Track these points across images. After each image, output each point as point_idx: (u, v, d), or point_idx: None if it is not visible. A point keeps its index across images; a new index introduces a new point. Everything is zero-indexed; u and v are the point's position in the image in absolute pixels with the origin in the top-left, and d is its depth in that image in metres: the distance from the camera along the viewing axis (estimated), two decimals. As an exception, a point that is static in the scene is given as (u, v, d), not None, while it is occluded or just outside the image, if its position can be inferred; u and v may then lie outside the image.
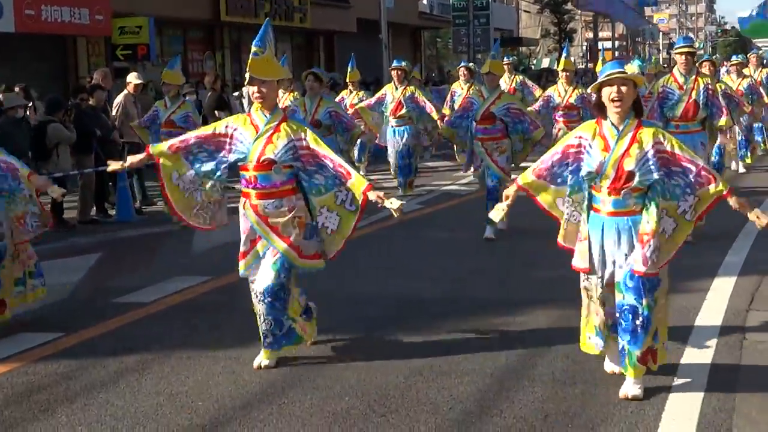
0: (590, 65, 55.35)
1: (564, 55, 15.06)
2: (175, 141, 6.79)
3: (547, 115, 13.68)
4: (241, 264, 6.69)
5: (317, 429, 5.46)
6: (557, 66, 16.32)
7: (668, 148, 5.57)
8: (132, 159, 6.99)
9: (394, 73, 15.33)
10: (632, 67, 4.54)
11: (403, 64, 15.72)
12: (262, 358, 6.55)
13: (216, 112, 17.52)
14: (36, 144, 13.08)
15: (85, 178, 13.42)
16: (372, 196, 6.26)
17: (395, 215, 6.17)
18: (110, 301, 8.61)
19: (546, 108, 13.83)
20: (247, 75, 6.43)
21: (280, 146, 6.32)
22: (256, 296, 6.51)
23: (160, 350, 7.05)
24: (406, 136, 14.99)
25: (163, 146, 6.77)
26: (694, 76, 10.43)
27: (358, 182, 6.37)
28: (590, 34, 66.15)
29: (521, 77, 19.73)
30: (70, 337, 7.45)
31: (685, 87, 10.37)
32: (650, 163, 5.53)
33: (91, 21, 21.99)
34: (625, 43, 75.93)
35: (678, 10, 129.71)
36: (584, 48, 70.21)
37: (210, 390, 6.14)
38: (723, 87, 11.79)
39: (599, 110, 5.68)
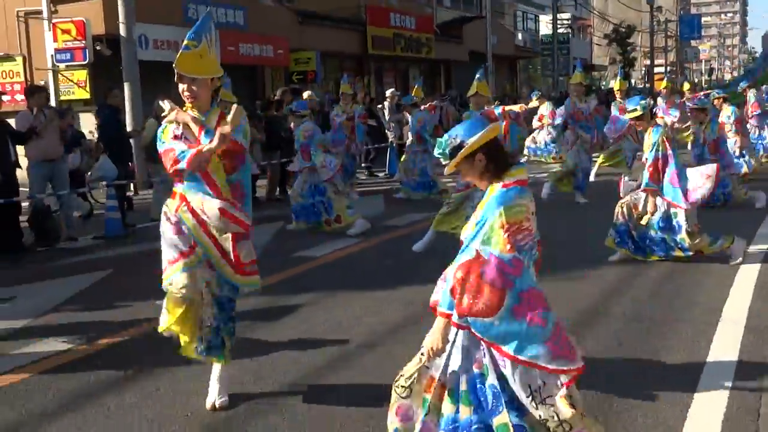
0: (647, 85, 53.98)
1: (578, 70, 12.64)
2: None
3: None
4: (174, 267, 4.33)
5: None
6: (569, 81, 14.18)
7: None
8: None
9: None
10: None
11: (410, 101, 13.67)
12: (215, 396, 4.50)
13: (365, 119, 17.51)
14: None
15: (271, 168, 13.68)
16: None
17: None
18: (291, 255, 8.78)
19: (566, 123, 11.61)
20: (175, 70, 4.21)
21: None
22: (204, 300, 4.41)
23: (328, 288, 7.16)
24: None
25: None
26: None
27: None
28: (648, 61, 64.14)
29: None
30: (262, 279, 7.50)
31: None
32: None
33: (274, 54, 22.45)
34: (675, 68, 73.29)
35: (717, 42, 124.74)
36: (643, 72, 68.38)
37: (362, 319, 6.19)
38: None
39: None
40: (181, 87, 4.25)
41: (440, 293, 3.24)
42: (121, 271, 8.34)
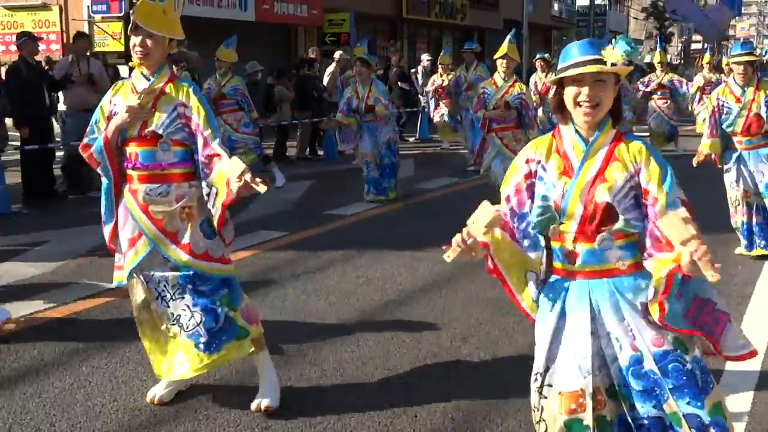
0: (682, 61, 53.13)
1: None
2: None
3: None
4: (118, 274, 3.89)
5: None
6: (654, 60, 14.15)
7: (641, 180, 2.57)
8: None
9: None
10: (614, 53, 2.37)
11: (474, 46, 13.51)
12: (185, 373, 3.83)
13: (399, 83, 17.42)
14: (266, 101, 13.44)
15: (302, 127, 13.65)
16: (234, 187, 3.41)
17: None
18: (321, 213, 8.77)
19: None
20: (132, 20, 3.62)
21: (164, 115, 3.65)
22: (164, 292, 3.78)
23: (358, 245, 7.15)
24: None
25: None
26: (753, 88, 6.49)
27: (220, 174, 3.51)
28: (685, 37, 63.13)
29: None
30: (294, 235, 7.65)
31: (743, 100, 6.48)
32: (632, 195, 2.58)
33: (308, 14, 22.28)
34: (713, 44, 72.02)
35: (757, 20, 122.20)
36: (679, 48, 67.30)
37: (394, 276, 6.19)
38: None
39: (561, 113, 2.65)
40: (134, 40, 3.64)
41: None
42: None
